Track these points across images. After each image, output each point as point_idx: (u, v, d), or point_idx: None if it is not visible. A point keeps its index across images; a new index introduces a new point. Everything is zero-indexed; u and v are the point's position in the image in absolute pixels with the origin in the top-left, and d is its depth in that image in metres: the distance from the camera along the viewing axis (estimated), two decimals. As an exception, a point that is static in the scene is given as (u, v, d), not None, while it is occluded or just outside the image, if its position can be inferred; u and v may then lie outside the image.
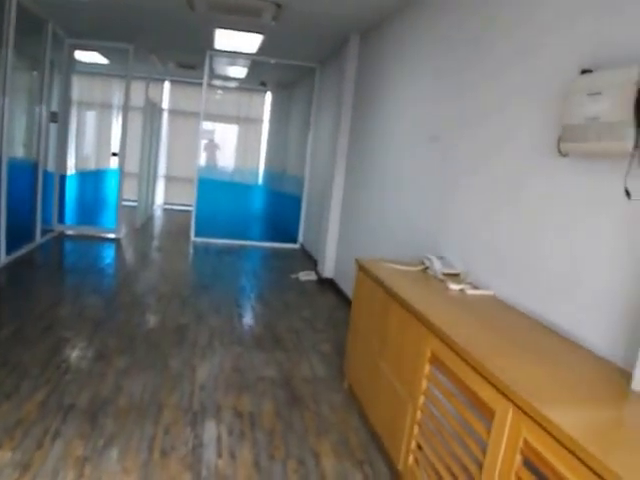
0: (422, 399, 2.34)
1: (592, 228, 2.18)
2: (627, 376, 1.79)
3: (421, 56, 4.26)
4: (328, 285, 6.44)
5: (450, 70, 3.69)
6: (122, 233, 8.25)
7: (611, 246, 2.07)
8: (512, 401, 1.65)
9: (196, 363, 3.76)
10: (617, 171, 2.01)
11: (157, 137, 10.78)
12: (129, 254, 7.39)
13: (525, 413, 1.58)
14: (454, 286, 2.84)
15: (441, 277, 3.00)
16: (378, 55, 5.43)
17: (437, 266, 3.05)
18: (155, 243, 8.37)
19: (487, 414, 1.80)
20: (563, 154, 2.25)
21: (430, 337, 2.27)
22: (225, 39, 7.01)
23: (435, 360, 2.24)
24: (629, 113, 1.84)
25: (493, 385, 1.76)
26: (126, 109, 7.81)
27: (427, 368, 2.30)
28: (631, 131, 1.84)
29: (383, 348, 2.87)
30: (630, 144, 1.85)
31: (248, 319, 4.92)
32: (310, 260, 7.72)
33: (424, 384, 2.32)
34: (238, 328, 4.60)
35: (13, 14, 5.41)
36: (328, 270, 6.55)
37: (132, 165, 8.80)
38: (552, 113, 2.45)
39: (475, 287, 2.87)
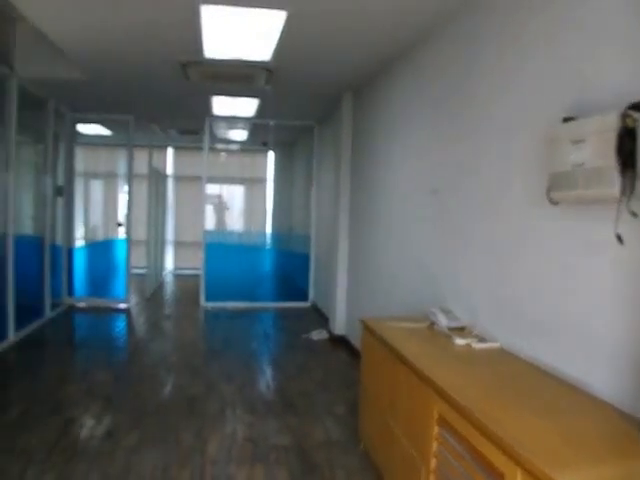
0: (434, 462, 2.26)
1: (593, 274, 2.14)
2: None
3: (413, 110, 4.31)
4: (340, 343, 6.32)
5: (441, 121, 3.72)
6: (132, 302, 8.27)
7: (612, 291, 2.03)
8: (520, 464, 1.59)
9: (207, 435, 3.66)
10: (609, 216, 1.98)
11: (163, 203, 10.86)
12: (139, 324, 7.35)
13: (534, 476, 1.52)
14: (460, 341, 2.78)
15: (447, 332, 2.95)
16: (372, 111, 5.51)
17: (442, 322, 3.01)
18: (165, 311, 8.30)
19: (497, 477, 1.73)
20: (553, 203, 2.23)
21: (436, 399, 2.22)
22: (222, 105, 7.19)
23: (443, 422, 2.17)
24: (612, 159, 1.83)
25: (500, 447, 1.70)
26: (130, 178, 7.95)
27: (436, 430, 2.23)
28: (616, 176, 1.83)
29: (393, 409, 2.80)
30: (616, 189, 1.84)
31: (260, 385, 4.83)
32: (322, 318, 7.62)
33: (434, 446, 2.25)
34: (249, 395, 4.50)
35: (14, 95, 5.68)
36: (339, 327, 6.47)
37: (140, 232, 8.88)
38: (540, 162, 2.44)
39: (482, 340, 2.82)
